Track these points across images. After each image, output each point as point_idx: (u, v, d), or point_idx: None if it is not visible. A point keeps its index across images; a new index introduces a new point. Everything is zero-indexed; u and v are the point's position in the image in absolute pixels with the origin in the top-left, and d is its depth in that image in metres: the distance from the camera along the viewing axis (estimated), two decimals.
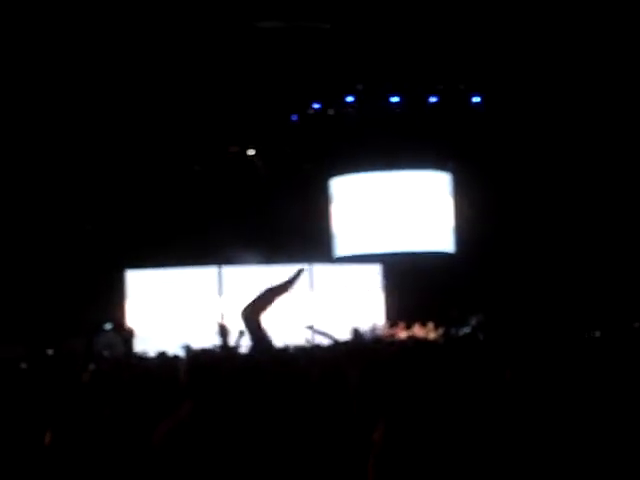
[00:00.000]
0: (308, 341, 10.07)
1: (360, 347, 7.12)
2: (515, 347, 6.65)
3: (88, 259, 19.08)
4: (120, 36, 15.61)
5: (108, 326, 16.19)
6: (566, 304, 17.63)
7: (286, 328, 16.74)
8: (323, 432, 3.55)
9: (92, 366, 4.82)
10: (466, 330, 18.22)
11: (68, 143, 17.98)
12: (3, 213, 15.56)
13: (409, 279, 19.65)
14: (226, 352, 5.48)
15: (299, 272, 2.80)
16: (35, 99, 16.26)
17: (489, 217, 20.71)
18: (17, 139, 15.88)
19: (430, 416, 2.36)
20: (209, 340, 7.62)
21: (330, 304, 18.62)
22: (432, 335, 17.63)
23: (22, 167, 16.67)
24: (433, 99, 19.91)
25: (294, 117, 20.43)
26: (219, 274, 19.51)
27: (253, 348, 2.88)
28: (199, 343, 8.63)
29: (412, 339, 13.04)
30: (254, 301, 2.78)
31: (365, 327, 15.48)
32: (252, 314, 2.87)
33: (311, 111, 20.27)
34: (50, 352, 13.08)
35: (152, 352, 8.99)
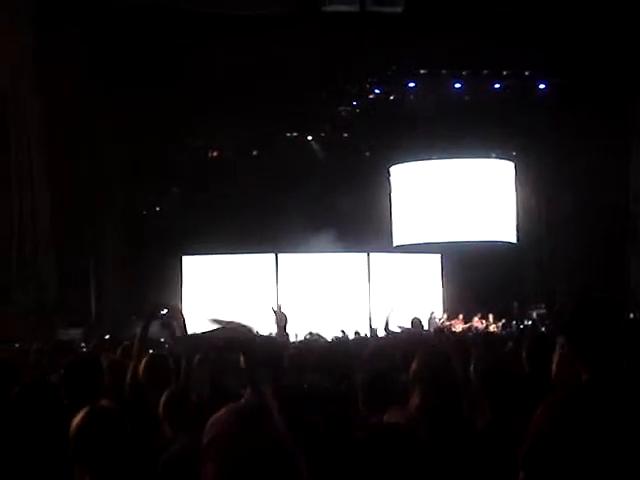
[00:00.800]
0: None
1: (422, 338, 6.85)
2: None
3: (146, 245, 19.10)
4: (182, 20, 15.51)
5: (164, 311, 16.10)
6: (631, 300, 16.99)
7: (343, 317, 16.60)
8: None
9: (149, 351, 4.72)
10: (527, 323, 17.81)
11: (130, 134, 18.01)
12: (65, 203, 15.59)
13: (469, 270, 19.26)
14: (284, 340, 5.40)
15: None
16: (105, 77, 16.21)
17: (553, 207, 20.20)
18: (84, 127, 15.89)
19: None
20: (264, 328, 7.40)
21: (387, 293, 18.28)
22: (492, 328, 17.28)
23: (89, 154, 16.69)
24: (497, 85, 19.41)
25: (355, 102, 20.12)
26: (276, 261, 19.37)
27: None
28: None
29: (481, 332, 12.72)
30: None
31: (424, 318, 15.12)
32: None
33: (372, 96, 19.92)
34: (107, 337, 13.06)
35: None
